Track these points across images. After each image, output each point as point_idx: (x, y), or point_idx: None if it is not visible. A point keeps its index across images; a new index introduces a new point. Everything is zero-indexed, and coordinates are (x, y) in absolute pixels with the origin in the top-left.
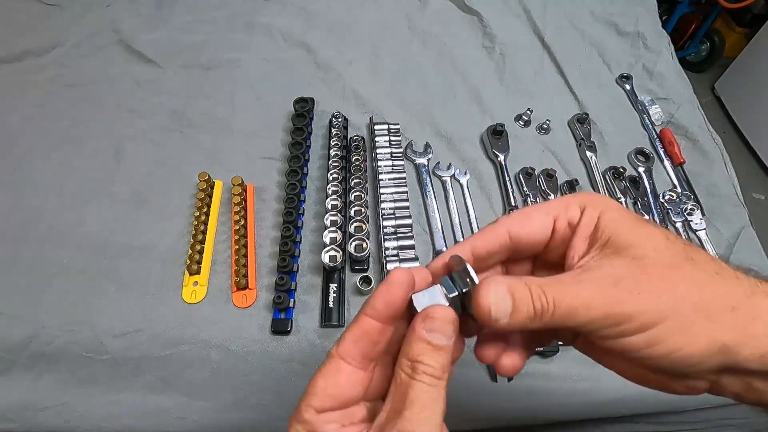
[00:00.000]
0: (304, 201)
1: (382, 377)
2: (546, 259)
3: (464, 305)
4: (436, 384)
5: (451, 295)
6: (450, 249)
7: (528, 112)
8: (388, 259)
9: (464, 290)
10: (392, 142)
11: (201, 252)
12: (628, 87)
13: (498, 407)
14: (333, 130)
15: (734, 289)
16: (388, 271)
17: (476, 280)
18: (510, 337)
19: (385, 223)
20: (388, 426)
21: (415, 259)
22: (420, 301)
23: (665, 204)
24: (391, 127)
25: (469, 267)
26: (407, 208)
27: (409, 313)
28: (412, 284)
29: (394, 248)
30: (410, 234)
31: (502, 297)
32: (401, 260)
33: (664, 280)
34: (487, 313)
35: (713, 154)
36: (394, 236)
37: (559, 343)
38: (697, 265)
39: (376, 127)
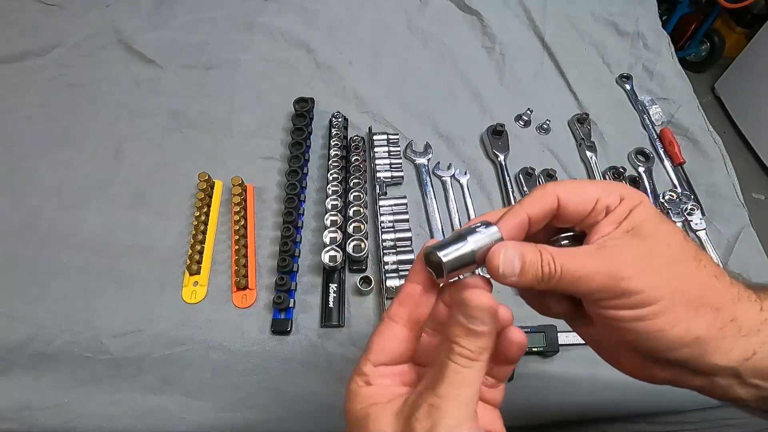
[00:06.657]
0: (304, 201)
1: (430, 345)
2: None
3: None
4: (470, 365)
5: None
6: (508, 214)
7: (528, 112)
8: (386, 258)
9: (475, 249)
10: (391, 153)
11: (201, 252)
12: (628, 87)
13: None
14: (333, 130)
15: (724, 294)
16: (387, 271)
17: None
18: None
19: (383, 218)
20: (422, 398)
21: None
22: (445, 256)
23: (665, 204)
24: (391, 137)
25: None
26: (406, 211)
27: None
28: None
29: (392, 245)
30: (409, 236)
31: (510, 257)
32: (401, 261)
33: (666, 271)
34: (495, 269)
35: (713, 154)
36: (393, 240)
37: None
38: (701, 266)
39: (375, 137)
